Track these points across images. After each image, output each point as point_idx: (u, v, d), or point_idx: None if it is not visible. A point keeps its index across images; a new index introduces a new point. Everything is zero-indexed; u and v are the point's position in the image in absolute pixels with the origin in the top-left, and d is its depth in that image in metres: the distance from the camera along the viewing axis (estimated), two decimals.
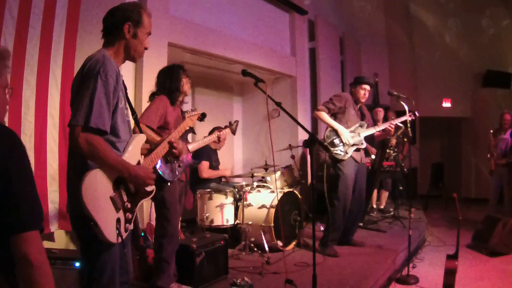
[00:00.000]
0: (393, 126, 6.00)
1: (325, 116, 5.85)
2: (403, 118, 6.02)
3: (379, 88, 11.61)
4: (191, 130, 4.31)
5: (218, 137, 4.78)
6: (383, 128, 6.05)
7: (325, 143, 5.73)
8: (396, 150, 8.45)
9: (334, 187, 5.86)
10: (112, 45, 2.59)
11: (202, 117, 4.17)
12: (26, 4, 4.26)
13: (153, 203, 5.52)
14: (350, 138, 5.79)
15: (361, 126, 5.97)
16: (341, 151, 5.78)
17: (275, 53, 8.63)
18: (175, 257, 4.26)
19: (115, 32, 2.59)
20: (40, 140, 4.43)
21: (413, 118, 5.94)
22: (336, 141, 5.80)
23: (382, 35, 12.85)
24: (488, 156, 8.53)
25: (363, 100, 6.07)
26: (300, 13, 9.30)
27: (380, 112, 9.08)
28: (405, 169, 8.22)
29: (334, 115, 5.94)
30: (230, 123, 5.11)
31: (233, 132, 5.09)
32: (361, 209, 6.25)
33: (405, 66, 13.07)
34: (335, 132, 5.82)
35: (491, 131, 8.57)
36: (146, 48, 2.70)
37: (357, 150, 5.90)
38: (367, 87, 6.02)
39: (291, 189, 6.35)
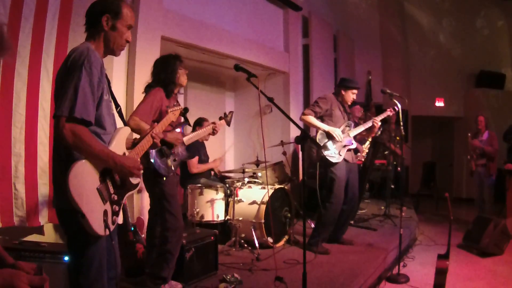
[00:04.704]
0: (378, 123, 5.99)
1: (313, 119, 5.74)
2: (384, 115, 6.05)
3: (372, 86, 11.60)
4: (186, 122, 4.28)
5: (214, 129, 4.72)
6: (370, 126, 6.01)
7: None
8: (389, 148, 8.46)
9: (328, 190, 5.78)
10: (93, 38, 2.60)
11: (184, 112, 4.07)
12: None
13: (143, 198, 5.50)
14: (341, 136, 5.73)
15: (348, 126, 5.93)
16: (334, 153, 5.70)
17: (269, 49, 8.59)
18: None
19: (95, 25, 2.59)
20: (31, 132, 4.38)
21: (394, 113, 5.98)
22: (329, 144, 5.72)
23: (376, 33, 12.84)
24: (468, 157, 8.76)
25: (349, 103, 6.03)
26: (294, 9, 9.27)
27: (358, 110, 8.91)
28: (398, 168, 8.22)
29: (320, 118, 5.82)
30: (225, 114, 5.06)
31: (228, 124, 5.06)
32: (353, 208, 6.23)
33: (398, 65, 13.06)
34: (327, 134, 5.73)
35: (469, 134, 8.82)
36: (128, 41, 2.68)
37: (348, 150, 5.88)
38: (356, 91, 6.00)
39: (282, 186, 6.33)
